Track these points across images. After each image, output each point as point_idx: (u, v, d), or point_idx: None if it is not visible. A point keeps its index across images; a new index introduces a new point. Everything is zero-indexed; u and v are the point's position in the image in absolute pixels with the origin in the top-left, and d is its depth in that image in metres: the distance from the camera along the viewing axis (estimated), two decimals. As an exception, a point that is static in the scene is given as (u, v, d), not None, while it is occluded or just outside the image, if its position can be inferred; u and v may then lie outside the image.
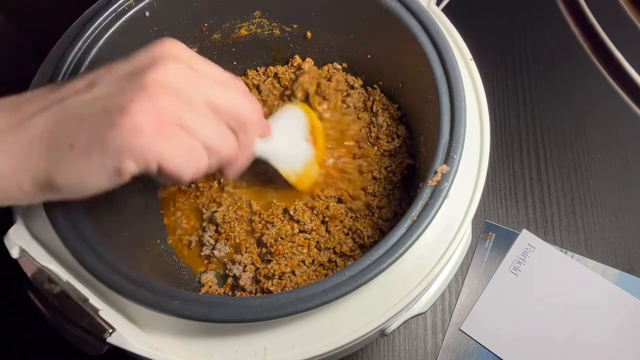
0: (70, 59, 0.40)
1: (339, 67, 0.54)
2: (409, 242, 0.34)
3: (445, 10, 0.47)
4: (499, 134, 0.66)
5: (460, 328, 0.56)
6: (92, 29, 0.41)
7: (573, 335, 0.55)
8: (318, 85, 0.53)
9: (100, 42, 0.41)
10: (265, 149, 0.42)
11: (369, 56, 0.51)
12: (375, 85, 0.53)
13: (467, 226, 0.39)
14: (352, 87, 0.54)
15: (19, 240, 0.37)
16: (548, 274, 0.58)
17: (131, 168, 0.29)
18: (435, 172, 0.36)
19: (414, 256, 0.37)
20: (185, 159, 0.30)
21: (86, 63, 0.41)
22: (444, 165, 0.37)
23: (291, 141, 0.46)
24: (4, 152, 0.29)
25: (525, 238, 0.60)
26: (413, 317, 0.42)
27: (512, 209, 0.62)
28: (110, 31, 0.42)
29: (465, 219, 0.38)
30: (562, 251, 0.59)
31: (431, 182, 0.36)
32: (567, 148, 0.65)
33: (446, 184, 0.36)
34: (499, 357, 0.54)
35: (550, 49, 0.71)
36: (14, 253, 0.36)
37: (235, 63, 0.54)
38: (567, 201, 0.62)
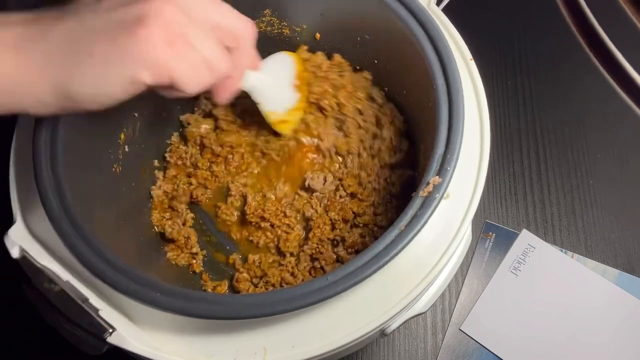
0: None
1: (369, 77, 0.52)
2: (395, 251, 0.34)
3: (445, 10, 0.47)
4: (499, 134, 0.66)
5: (460, 328, 0.56)
6: None
7: (573, 335, 0.55)
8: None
9: None
10: (252, 81, 0.42)
11: (375, 61, 0.50)
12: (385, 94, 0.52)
13: (467, 226, 0.39)
14: (372, 99, 0.52)
15: (19, 240, 0.37)
16: (548, 274, 0.58)
17: (146, 78, 0.30)
18: (428, 183, 0.36)
19: (414, 256, 0.37)
20: (192, 74, 0.32)
21: None
22: (437, 176, 0.36)
23: (278, 82, 0.47)
24: (24, 61, 0.30)
25: (525, 238, 0.60)
26: (413, 317, 0.41)
27: (512, 209, 0.62)
28: None
29: (465, 219, 0.38)
30: (562, 251, 0.59)
31: (422, 192, 0.36)
32: (567, 148, 0.65)
33: (437, 195, 0.35)
34: (499, 357, 0.54)
35: (550, 49, 0.71)
36: (14, 253, 0.37)
37: None
38: (567, 201, 0.62)
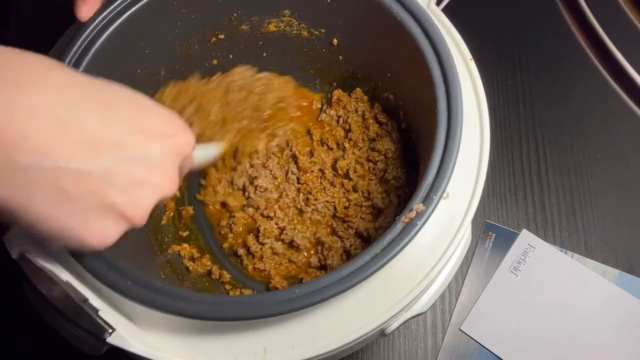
0: (90, 28, 0.41)
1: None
2: (364, 275, 0.34)
3: (445, 10, 0.47)
4: (499, 134, 0.66)
5: (460, 328, 0.56)
6: (117, 2, 0.41)
7: (573, 335, 0.55)
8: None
9: (125, 15, 0.41)
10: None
11: (388, 75, 0.50)
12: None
13: (467, 226, 0.38)
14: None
15: (18, 241, 0.37)
16: (548, 274, 0.58)
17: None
18: (411, 210, 0.36)
19: (414, 256, 0.37)
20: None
21: (105, 34, 0.41)
22: (421, 204, 0.36)
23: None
24: None
25: (525, 238, 0.60)
26: (413, 317, 0.41)
27: (512, 209, 0.62)
28: (136, 7, 0.42)
29: (465, 219, 0.38)
30: (562, 251, 0.59)
31: (404, 218, 0.35)
32: (567, 148, 0.65)
33: (419, 223, 0.35)
34: (499, 357, 0.54)
35: (550, 49, 0.71)
36: (14, 253, 0.36)
37: (265, 55, 0.54)
38: (567, 201, 0.62)
